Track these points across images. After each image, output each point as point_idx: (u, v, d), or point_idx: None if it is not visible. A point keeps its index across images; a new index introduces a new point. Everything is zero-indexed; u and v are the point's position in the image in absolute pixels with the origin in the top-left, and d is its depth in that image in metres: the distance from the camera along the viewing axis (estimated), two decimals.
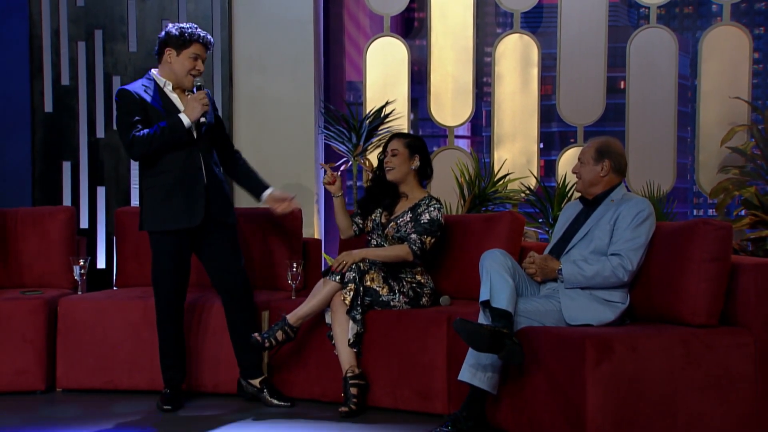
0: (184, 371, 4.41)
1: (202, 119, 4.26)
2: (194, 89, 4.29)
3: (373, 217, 4.57)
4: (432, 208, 4.42)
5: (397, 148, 4.50)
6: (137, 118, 4.21)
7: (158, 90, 4.30)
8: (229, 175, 4.60)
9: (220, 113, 4.82)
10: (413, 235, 4.37)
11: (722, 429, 3.52)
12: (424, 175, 4.58)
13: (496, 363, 3.68)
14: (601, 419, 3.37)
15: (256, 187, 4.54)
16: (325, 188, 4.69)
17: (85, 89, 6.02)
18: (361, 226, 4.63)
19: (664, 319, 3.73)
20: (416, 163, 4.50)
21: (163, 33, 4.32)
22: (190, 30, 4.28)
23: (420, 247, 4.36)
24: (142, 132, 4.18)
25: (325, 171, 4.51)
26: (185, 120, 4.20)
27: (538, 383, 3.60)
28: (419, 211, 4.44)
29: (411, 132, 6.05)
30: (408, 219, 4.44)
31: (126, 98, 4.24)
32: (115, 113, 4.50)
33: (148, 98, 4.25)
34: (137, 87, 4.29)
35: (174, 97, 4.32)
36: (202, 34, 4.30)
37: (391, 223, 4.47)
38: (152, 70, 4.38)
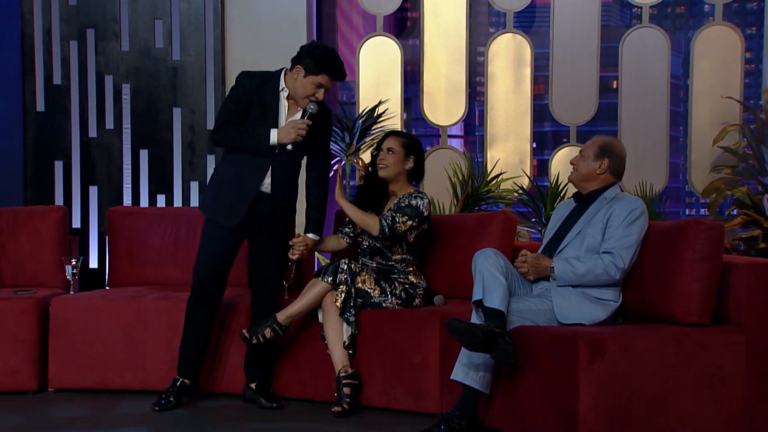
0: (199, 368, 4.36)
1: (289, 147, 4.13)
2: (306, 113, 4.14)
3: None
4: (414, 197, 4.34)
5: (393, 146, 4.39)
6: (236, 107, 4.15)
7: (276, 90, 4.21)
8: (307, 192, 4.43)
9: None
10: (387, 212, 4.32)
11: (714, 427, 3.52)
12: (415, 176, 4.48)
13: (488, 362, 3.68)
14: (594, 418, 3.37)
15: (308, 222, 4.39)
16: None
17: (77, 88, 6.01)
18: (351, 234, 4.53)
19: (656, 319, 3.74)
20: (410, 164, 4.41)
21: (304, 46, 4.17)
22: (326, 59, 4.10)
23: (389, 225, 4.26)
24: (230, 125, 4.15)
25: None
26: (273, 137, 4.12)
27: (531, 383, 3.60)
28: (401, 201, 4.36)
29: (405, 131, 6.05)
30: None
31: (239, 84, 4.20)
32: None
33: (261, 93, 4.18)
34: (258, 77, 4.21)
35: (284, 104, 4.21)
36: (335, 68, 4.12)
37: None
38: (285, 69, 4.23)
